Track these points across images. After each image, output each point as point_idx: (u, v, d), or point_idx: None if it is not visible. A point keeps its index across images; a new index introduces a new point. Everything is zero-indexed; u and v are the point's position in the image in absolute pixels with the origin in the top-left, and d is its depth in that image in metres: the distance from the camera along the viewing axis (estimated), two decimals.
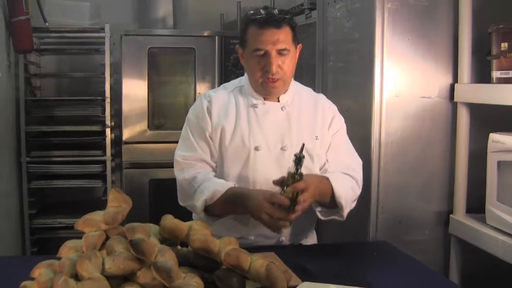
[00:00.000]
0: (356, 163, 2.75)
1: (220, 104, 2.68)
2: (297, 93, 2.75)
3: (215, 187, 2.51)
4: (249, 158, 2.60)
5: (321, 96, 2.85)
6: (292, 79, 2.72)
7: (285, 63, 2.56)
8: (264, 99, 2.67)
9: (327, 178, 2.54)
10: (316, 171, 2.68)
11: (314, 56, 3.99)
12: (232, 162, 2.63)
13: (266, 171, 2.59)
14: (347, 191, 2.59)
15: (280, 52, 2.53)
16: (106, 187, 4.74)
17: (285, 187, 2.31)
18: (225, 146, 2.62)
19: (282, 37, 2.52)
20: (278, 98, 2.69)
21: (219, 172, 2.66)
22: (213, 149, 2.65)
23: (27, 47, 4.40)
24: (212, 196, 2.49)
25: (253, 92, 2.68)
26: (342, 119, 2.80)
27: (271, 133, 2.63)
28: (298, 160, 2.29)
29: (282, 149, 2.62)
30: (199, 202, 2.52)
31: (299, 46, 2.66)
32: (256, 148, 2.60)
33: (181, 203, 2.67)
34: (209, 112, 2.65)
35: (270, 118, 2.65)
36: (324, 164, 2.71)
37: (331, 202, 2.56)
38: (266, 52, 2.53)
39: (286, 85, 2.66)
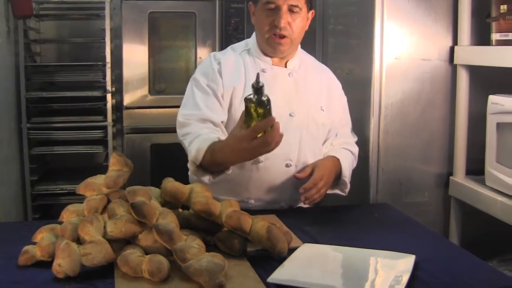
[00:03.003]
0: (354, 138, 2.85)
1: (230, 66, 2.66)
2: (304, 61, 2.76)
3: (199, 144, 2.40)
4: None
5: (326, 69, 2.88)
6: (300, 46, 2.72)
7: (295, 21, 2.55)
8: (272, 63, 2.66)
9: (338, 159, 2.61)
10: (321, 139, 2.72)
11: (314, 20, 3.98)
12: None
13: None
14: (350, 169, 2.68)
15: (291, 9, 2.52)
16: (108, 152, 4.74)
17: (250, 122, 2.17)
18: (235, 108, 2.60)
19: None
20: (286, 63, 2.69)
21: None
22: (224, 107, 2.61)
23: (27, 13, 4.37)
24: (196, 155, 2.39)
25: (261, 55, 2.67)
26: (344, 97, 2.86)
27: (280, 99, 2.58)
28: (256, 90, 2.13)
29: (290, 115, 2.61)
30: (189, 163, 2.46)
31: (312, 12, 2.66)
32: None
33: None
34: (220, 73, 2.63)
35: (279, 83, 2.65)
36: (328, 134, 2.76)
37: (335, 179, 2.59)
38: (277, 6, 2.51)
39: (293, 46, 2.65)
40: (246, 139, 2.16)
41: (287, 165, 2.62)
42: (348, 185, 2.68)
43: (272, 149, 2.19)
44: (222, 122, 2.60)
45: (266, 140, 2.14)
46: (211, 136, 2.44)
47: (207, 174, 2.43)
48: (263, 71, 2.63)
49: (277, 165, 2.58)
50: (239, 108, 2.56)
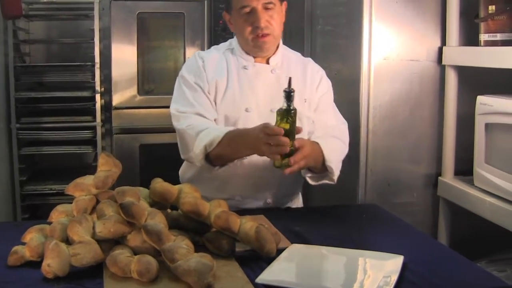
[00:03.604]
0: (342, 123, 2.77)
1: (214, 63, 2.67)
2: (286, 56, 2.76)
3: (214, 133, 2.45)
4: (239, 119, 2.60)
5: (309, 60, 2.86)
6: (281, 43, 2.73)
7: (273, 18, 2.56)
8: (254, 61, 2.68)
9: (318, 144, 2.52)
10: (305, 132, 2.67)
11: (303, 20, 3.99)
12: (222, 122, 2.62)
13: None
14: (337, 155, 2.60)
15: (265, 6, 2.54)
16: (97, 153, 4.73)
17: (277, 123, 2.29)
18: (218, 104, 2.63)
19: None
20: (268, 60, 2.69)
21: None
22: (212, 104, 2.63)
23: (16, 13, 4.36)
24: (211, 142, 2.43)
25: (243, 54, 2.68)
26: (330, 83, 2.81)
27: (262, 95, 2.64)
28: (288, 95, 2.27)
29: (272, 111, 2.56)
30: (199, 149, 2.46)
31: (285, 3, 2.66)
32: (247, 110, 2.61)
33: (182, 156, 2.63)
34: (204, 68, 2.64)
35: (260, 80, 2.66)
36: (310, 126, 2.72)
37: (321, 167, 2.57)
38: (252, 8, 2.53)
39: (276, 41, 2.66)
40: (269, 131, 2.26)
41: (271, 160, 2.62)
42: (336, 172, 2.57)
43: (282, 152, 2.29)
44: (214, 120, 2.62)
45: (289, 161, 2.29)
46: (222, 127, 2.54)
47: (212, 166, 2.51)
48: (245, 67, 2.66)
49: (261, 161, 2.57)
50: (221, 106, 2.61)
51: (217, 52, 2.74)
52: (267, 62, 2.70)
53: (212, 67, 2.66)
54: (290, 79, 2.29)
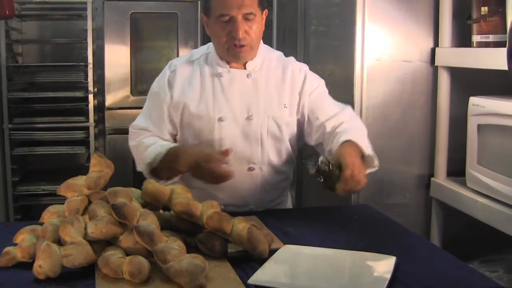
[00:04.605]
0: (345, 107, 2.69)
1: (184, 77, 2.62)
2: (267, 58, 2.68)
3: (157, 149, 2.51)
4: (214, 130, 2.56)
5: (290, 60, 2.75)
6: (262, 43, 2.66)
7: (252, 29, 2.48)
8: (230, 66, 2.61)
9: (350, 141, 2.40)
10: (285, 139, 2.65)
11: (296, 20, 3.99)
12: (197, 135, 2.60)
13: (232, 142, 2.55)
14: (367, 140, 2.53)
15: (246, 17, 2.45)
16: (90, 153, 4.74)
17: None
18: (188, 121, 2.59)
19: (248, 0, 2.44)
20: (245, 64, 2.62)
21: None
22: (168, 124, 2.64)
23: (9, 13, 4.35)
24: (154, 158, 2.49)
25: (219, 60, 2.61)
26: (317, 77, 2.73)
27: (237, 103, 2.57)
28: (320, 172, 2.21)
29: (248, 118, 2.57)
30: (144, 166, 2.55)
31: (265, 11, 2.58)
32: (220, 119, 2.55)
33: (138, 170, 2.67)
34: (171, 85, 2.62)
35: (236, 86, 2.60)
36: (310, 123, 2.64)
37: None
38: (231, 17, 2.44)
39: (253, 51, 2.58)
40: (208, 159, 2.35)
41: (250, 169, 2.60)
42: (375, 158, 2.47)
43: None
44: (170, 134, 2.67)
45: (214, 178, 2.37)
46: (166, 144, 2.58)
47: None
48: (220, 75, 2.59)
49: (239, 170, 2.55)
50: (194, 120, 2.59)
51: (190, 63, 2.67)
52: (244, 67, 2.62)
53: (181, 82, 2.62)
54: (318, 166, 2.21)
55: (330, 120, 2.60)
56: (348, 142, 2.40)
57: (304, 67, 2.73)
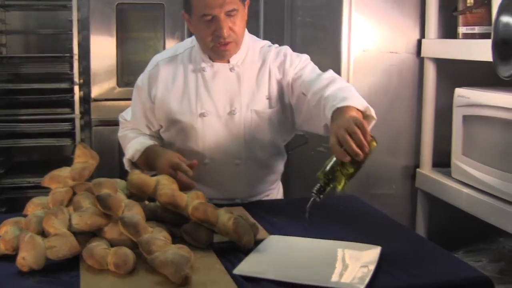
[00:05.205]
0: (327, 71, 2.54)
1: (167, 74, 2.60)
2: (251, 49, 2.63)
3: (136, 146, 2.61)
4: (196, 126, 2.54)
5: (271, 48, 2.67)
6: (247, 34, 2.62)
7: (235, 24, 2.44)
8: (213, 60, 2.57)
9: (347, 105, 2.24)
10: (269, 132, 2.61)
11: (283, 11, 3.98)
12: (180, 131, 2.59)
13: (216, 137, 2.55)
14: (358, 96, 2.36)
15: (228, 14, 2.40)
16: (75, 145, 4.71)
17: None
18: (172, 118, 2.58)
19: None
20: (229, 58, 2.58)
21: (167, 143, 2.67)
22: (145, 119, 2.68)
23: None
24: (133, 155, 2.60)
25: (202, 55, 2.57)
26: (297, 55, 2.63)
27: (220, 97, 2.55)
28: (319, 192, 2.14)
29: (231, 113, 2.54)
30: (124, 160, 2.67)
31: (247, 2, 2.52)
32: (202, 115, 2.53)
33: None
34: (154, 81, 2.61)
35: (219, 81, 2.56)
36: (302, 97, 2.51)
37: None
38: (214, 16, 2.39)
39: (239, 46, 2.54)
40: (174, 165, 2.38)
41: (234, 164, 2.58)
42: (371, 110, 2.32)
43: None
44: (149, 128, 2.71)
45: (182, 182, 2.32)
46: (146, 141, 2.66)
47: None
48: (202, 70, 2.56)
49: (225, 165, 2.54)
50: (177, 116, 2.57)
51: (174, 58, 2.64)
52: (228, 61, 2.58)
53: (164, 79, 2.60)
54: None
55: (313, 89, 2.44)
56: (336, 111, 2.23)
57: (284, 49, 2.66)
